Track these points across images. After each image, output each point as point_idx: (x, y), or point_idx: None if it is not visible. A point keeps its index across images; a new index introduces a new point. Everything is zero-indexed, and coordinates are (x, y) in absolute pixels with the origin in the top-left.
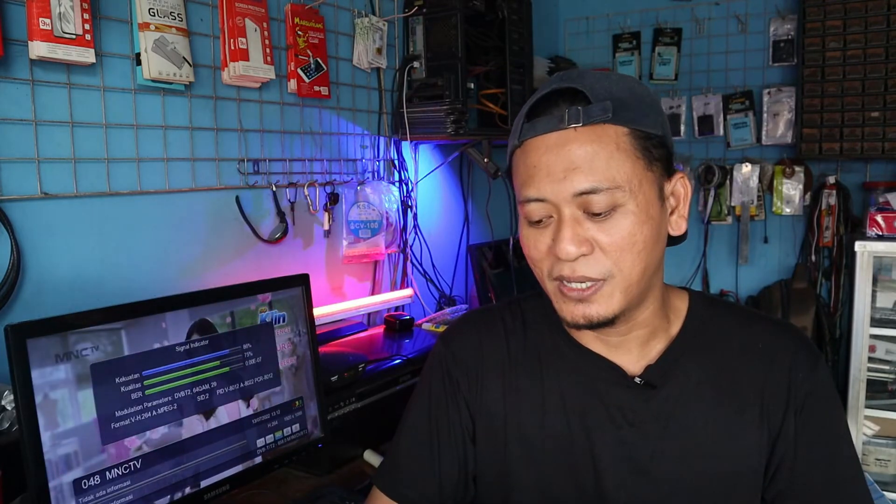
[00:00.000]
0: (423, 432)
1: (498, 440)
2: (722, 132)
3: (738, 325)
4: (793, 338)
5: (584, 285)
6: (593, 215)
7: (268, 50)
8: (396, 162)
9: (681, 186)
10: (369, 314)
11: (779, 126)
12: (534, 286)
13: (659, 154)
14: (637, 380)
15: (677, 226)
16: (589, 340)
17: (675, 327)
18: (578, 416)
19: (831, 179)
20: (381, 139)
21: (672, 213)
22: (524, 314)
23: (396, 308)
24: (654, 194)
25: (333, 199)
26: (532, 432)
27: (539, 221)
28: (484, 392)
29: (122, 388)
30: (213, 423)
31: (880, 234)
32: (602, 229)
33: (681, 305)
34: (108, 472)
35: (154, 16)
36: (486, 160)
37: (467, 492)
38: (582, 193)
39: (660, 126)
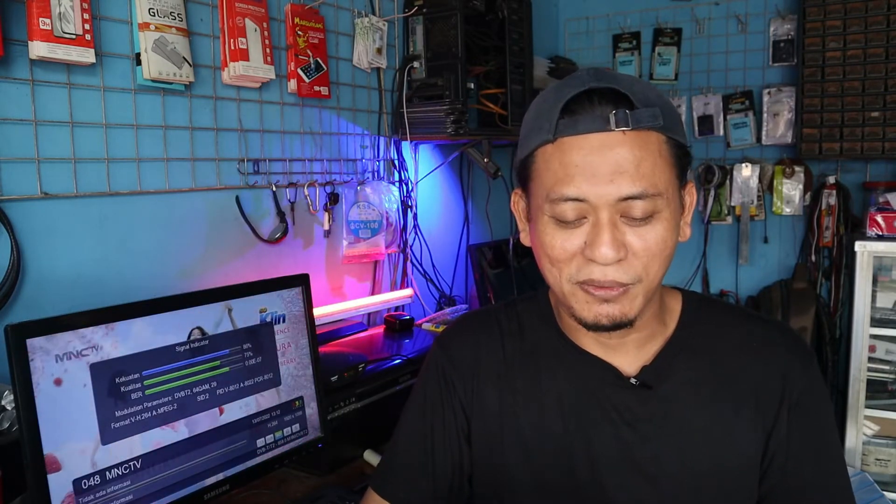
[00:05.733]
0: (417, 434)
1: (495, 441)
2: (722, 132)
3: (731, 324)
4: (786, 336)
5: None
6: (632, 220)
7: (268, 50)
8: (396, 162)
9: (688, 195)
10: (369, 314)
11: (779, 126)
12: (534, 286)
13: (685, 164)
14: (633, 380)
15: (684, 233)
16: (586, 342)
17: (670, 328)
18: (575, 417)
19: (831, 179)
20: (381, 139)
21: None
22: (520, 316)
23: (396, 308)
24: (679, 202)
25: (333, 199)
26: (529, 433)
27: (571, 221)
28: (480, 394)
29: (122, 388)
30: (212, 423)
31: (880, 234)
32: (638, 234)
33: (675, 306)
34: (108, 472)
35: (154, 16)
36: (486, 160)
37: (462, 492)
38: (627, 198)
39: (685, 136)
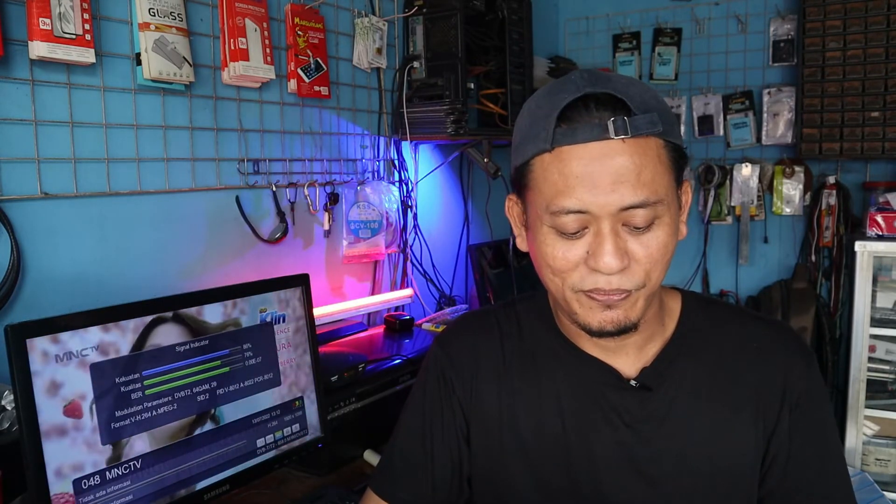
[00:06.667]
0: (416, 434)
1: (494, 442)
2: (722, 132)
3: (731, 324)
4: (786, 337)
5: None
6: (634, 228)
7: (268, 50)
8: (396, 162)
9: (684, 194)
10: (369, 314)
11: (779, 126)
12: (534, 286)
13: (682, 165)
14: (632, 382)
15: (681, 231)
16: (585, 344)
17: (670, 329)
18: (575, 418)
19: (831, 179)
20: (381, 139)
21: None
22: (519, 316)
23: (396, 308)
24: (677, 204)
25: (333, 199)
26: (528, 434)
27: (574, 233)
28: (479, 394)
29: (122, 388)
30: (212, 423)
31: (880, 234)
32: (640, 242)
33: (674, 306)
34: (108, 472)
35: (154, 16)
36: (486, 160)
37: (461, 493)
38: (629, 207)
39: (682, 137)
